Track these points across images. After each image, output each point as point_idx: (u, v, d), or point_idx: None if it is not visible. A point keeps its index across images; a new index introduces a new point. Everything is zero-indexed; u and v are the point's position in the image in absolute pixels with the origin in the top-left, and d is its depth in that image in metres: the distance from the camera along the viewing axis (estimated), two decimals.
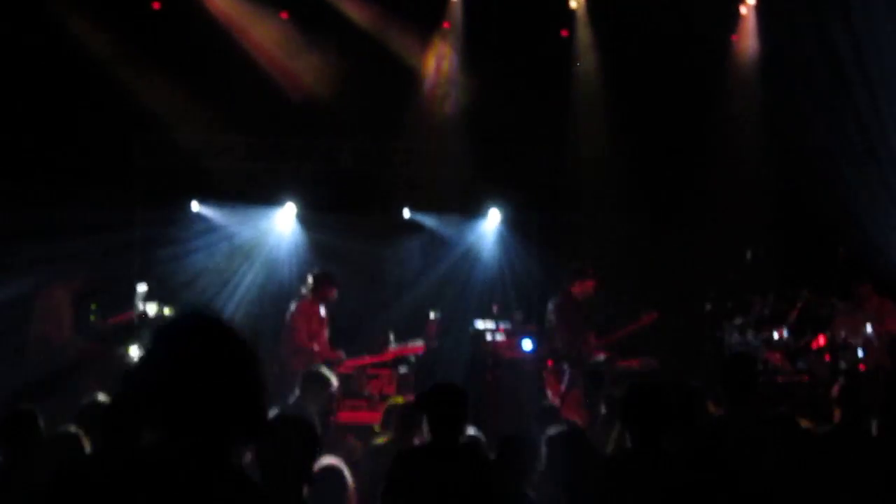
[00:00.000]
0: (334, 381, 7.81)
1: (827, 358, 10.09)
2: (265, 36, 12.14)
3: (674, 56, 12.17)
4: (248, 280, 12.60)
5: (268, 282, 12.63)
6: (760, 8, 12.75)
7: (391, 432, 6.90)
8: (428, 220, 13.33)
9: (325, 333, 10.24)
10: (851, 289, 10.39)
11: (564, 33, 12.91)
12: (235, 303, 12.37)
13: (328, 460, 5.08)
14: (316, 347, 10.02)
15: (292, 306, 10.24)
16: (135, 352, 9.42)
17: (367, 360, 10.43)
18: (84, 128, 11.54)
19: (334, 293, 10.18)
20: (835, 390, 5.80)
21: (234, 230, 12.77)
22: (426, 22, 12.63)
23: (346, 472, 5.09)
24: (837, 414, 5.69)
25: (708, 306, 10.96)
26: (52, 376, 8.81)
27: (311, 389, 7.64)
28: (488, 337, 11.28)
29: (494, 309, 11.27)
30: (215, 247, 12.60)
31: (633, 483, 4.64)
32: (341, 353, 10.23)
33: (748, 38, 12.84)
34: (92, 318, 9.86)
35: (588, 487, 4.91)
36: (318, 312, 10.18)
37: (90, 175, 11.42)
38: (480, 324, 11.51)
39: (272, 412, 4.86)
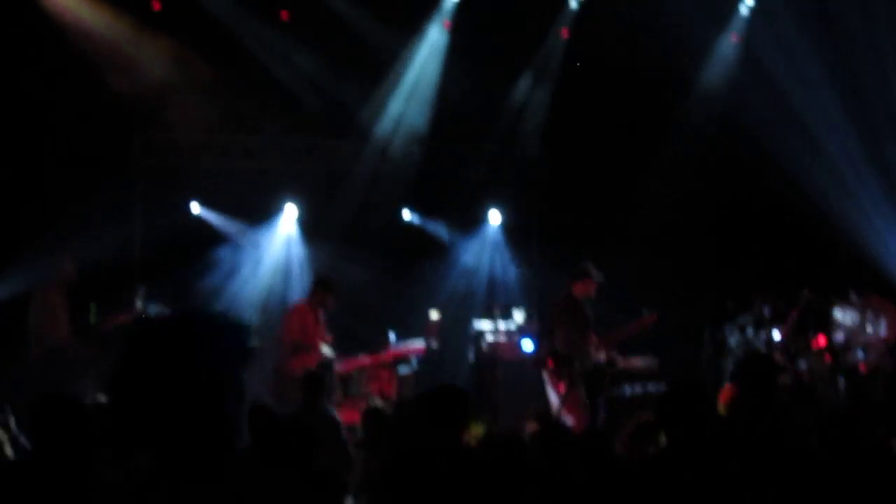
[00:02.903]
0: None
1: (827, 358, 10.11)
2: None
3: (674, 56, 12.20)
4: (248, 283, 12.58)
5: (267, 283, 12.61)
6: (759, 9, 12.74)
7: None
8: (427, 221, 13.33)
9: (320, 335, 10.12)
10: (851, 295, 10.44)
11: (565, 33, 12.91)
12: (234, 305, 12.35)
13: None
14: (310, 340, 9.91)
15: (288, 308, 10.20)
16: None
17: (367, 360, 10.40)
18: (84, 127, 11.52)
19: (331, 301, 10.09)
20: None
21: (234, 232, 12.73)
22: (425, 21, 12.64)
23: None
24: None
25: (708, 306, 10.96)
26: (55, 377, 8.80)
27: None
28: (489, 337, 11.28)
29: (495, 309, 11.25)
30: (214, 249, 12.56)
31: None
32: (329, 337, 10.12)
33: (746, 40, 12.82)
34: (92, 319, 9.82)
35: None
36: (314, 315, 10.07)
37: (90, 174, 11.41)
38: (481, 324, 11.51)
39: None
